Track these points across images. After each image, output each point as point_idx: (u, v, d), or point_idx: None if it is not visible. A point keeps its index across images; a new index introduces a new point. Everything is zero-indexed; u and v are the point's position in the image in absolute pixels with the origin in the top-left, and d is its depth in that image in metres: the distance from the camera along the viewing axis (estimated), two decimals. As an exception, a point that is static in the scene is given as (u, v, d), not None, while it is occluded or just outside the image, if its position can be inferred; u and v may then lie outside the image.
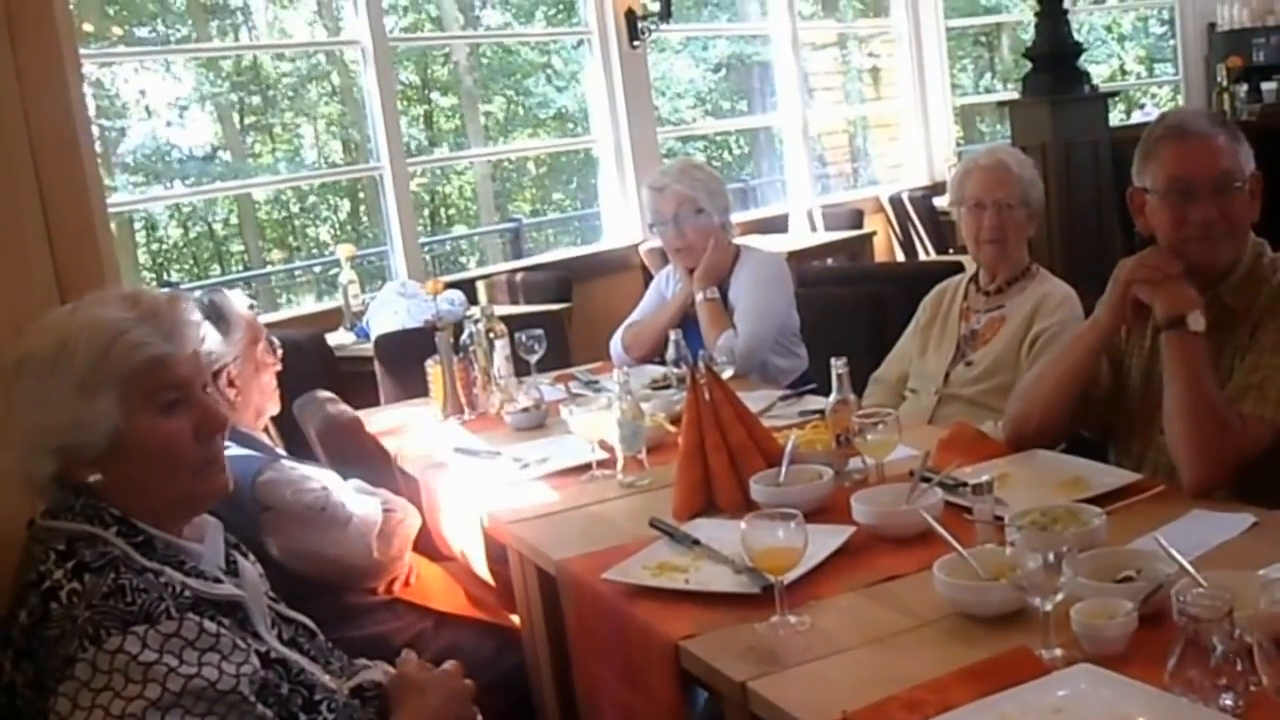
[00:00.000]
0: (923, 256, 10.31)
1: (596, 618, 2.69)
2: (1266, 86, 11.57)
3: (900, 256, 10.67)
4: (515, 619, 3.41)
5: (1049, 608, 2.03)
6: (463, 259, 13.30)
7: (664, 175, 4.79)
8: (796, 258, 7.96)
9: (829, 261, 9.00)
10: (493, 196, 15.42)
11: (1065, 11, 7.98)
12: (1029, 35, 8.27)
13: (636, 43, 9.06)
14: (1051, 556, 2.01)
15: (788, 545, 2.28)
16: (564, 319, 6.33)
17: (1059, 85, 7.85)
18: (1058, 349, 3.30)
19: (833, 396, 3.13)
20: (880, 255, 10.30)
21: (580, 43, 9.45)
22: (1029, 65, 8.35)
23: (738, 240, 4.90)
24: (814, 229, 10.24)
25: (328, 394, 4.32)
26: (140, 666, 1.91)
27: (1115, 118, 13.01)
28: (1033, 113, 7.89)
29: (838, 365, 3.13)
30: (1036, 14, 8.01)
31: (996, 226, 3.95)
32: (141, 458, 2.15)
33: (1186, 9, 13.07)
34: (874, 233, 9.87)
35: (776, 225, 10.06)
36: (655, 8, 8.96)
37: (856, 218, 10.16)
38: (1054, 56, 7.95)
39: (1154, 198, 2.99)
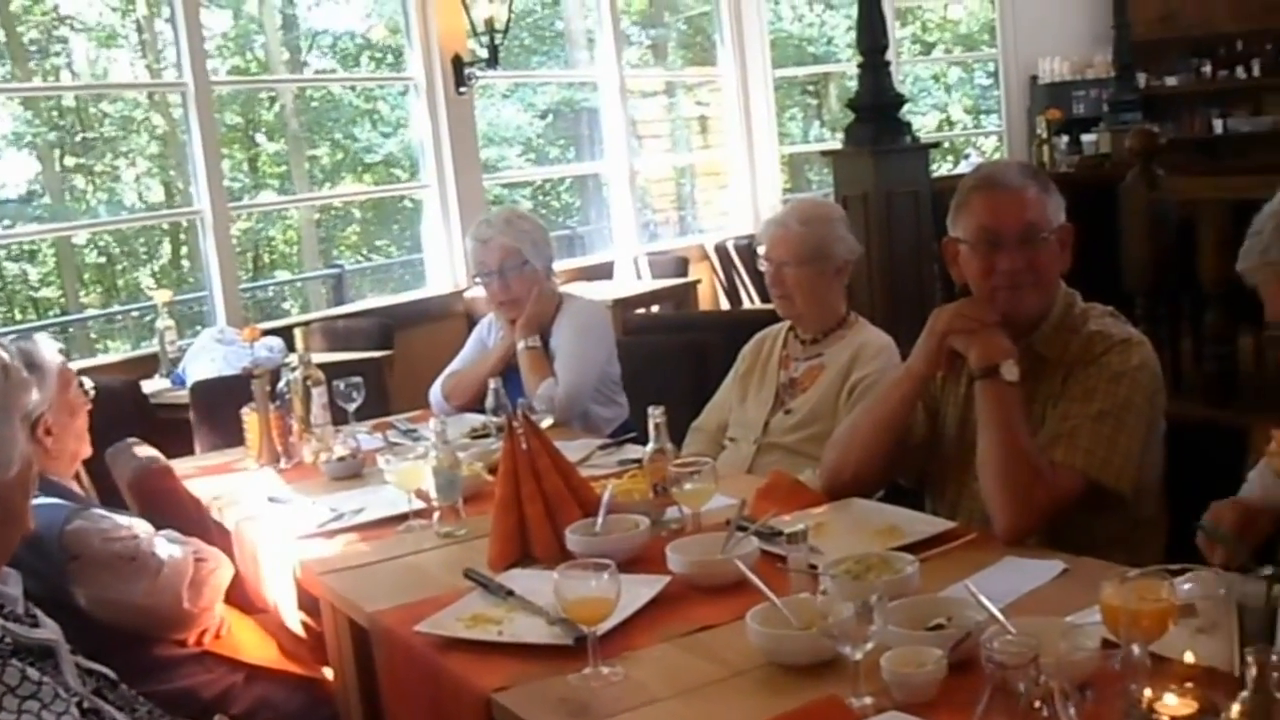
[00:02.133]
0: (747, 304, 10.41)
1: (409, 671, 2.64)
2: (1087, 139, 11.89)
3: (725, 304, 10.75)
4: (328, 672, 3.34)
5: (859, 656, 2.03)
6: (285, 305, 13.14)
7: (488, 227, 4.73)
8: (622, 305, 7.98)
9: (653, 309, 9.03)
10: (316, 242, 15.26)
11: (887, 64, 8.09)
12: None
13: (463, 89, 9.03)
14: (863, 605, 2.02)
15: (600, 596, 2.26)
16: (384, 366, 6.27)
17: (881, 136, 7.95)
18: (873, 397, 3.32)
19: (650, 445, 3.12)
20: (705, 303, 10.36)
21: (406, 89, 9.39)
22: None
23: (561, 289, 4.89)
24: (639, 276, 10.27)
25: (140, 442, 4.21)
26: None
27: (944, 167, 13.29)
28: (855, 163, 7.97)
29: (655, 414, 3.12)
30: (860, 65, 8.12)
31: (778, 283, 4.00)
32: (23, 494, 2.12)
33: (1010, 61, 13.39)
34: (699, 280, 9.93)
35: (602, 272, 10.08)
36: (483, 54, 8.94)
37: (682, 265, 10.22)
38: (876, 107, 8.05)
39: (965, 248, 3.05)
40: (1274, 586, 1.89)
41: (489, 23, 8.79)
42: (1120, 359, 2.94)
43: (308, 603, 3.32)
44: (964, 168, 12.56)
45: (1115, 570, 2.20)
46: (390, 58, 13.91)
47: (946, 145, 15.11)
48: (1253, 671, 1.55)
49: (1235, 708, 1.57)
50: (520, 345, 4.62)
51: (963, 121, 16.94)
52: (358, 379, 4.29)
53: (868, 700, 2.03)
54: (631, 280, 10.16)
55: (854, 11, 8.17)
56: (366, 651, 2.92)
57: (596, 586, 2.26)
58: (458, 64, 8.97)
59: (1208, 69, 13.18)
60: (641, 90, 12.17)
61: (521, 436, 3.06)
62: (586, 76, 11.72)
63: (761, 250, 4.07)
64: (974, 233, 3.02)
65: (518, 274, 4.64)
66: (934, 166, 9.59)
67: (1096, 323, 3.05)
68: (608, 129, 10.85)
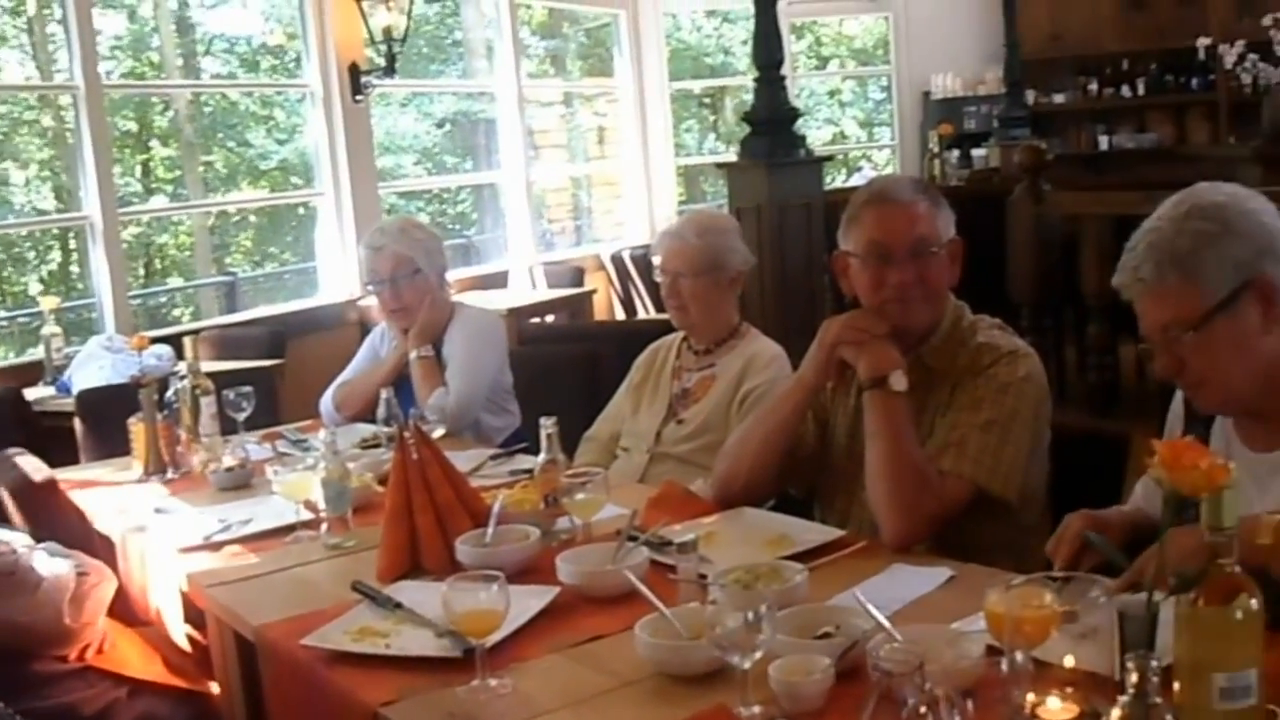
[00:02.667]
0: (643, 314, 10.44)
1: (295, 685, 2.60)
2: (977, 153, 12.09)
3: (621, 314, 10.77)
4: (214, 686, 3.29)
5: (748, 665, 2.03)
6: (176, 312, 12.96)
7: (382, 234, 4.70)
8: (516, 315, 7.97)
9: (548, 319, 9.03)
10: (210, 249, 15.07)
11: (783, 78, 8.11)
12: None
13: (359, 97, 8.98)
14: (751, 615, 2.02)
15: (489, 607, 2.25)
16: (275, 375, 6.21)
17: (776, 149, 7.95)
18: (764, 407, 3.34)
19: (541, 456, 3.12)
20: (601, 313, 10.39)
21: (303, 96, 9.31)
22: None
23: (455, 298, 4.86)
24: (535, 286, 10.27)
25: (22, 451, 4.13)
26: None
27: (838, 180, 13.43)
28: (750, 175, 7.98)
29: (547, 424, 3.12)
30: (756, 79, 8.15)
31: (673, 294, 4.02)
32: None
33: (903, 77, 13.58)
34: (594, 290, 9.95)
35: (497, 282, 10.07)
36: (381, 62, 8.89)
37: (578, 275, 10.24)
38: (772, 121, 8.06)
39: (856, 261, 3.08)
40: (1154, 592, 1.91)
41: (387, 31, 8.76)
42: (1007, 370, 2.98)
43: (193, 615, 3.26)
44: (857, 180, 12.70)
45: (1001, 577, 2.22)
46: (287, 63, 13.79)
47: (840, 158, 15.25)
48: (1133, 677, 1.58)
49: (1116, 712, 1.59)
50: (412, 354, 4.59)
51: (856, 135, 17.09)
52: (248, 388, 4.24)
53: (756, 709, 2.04)
54: (527, 290, 10.15)
55: (751, 25, 8.20)
56: (253, 665, 2.87)
57: (485, 598, 2.24)
58: (355, 72, 8.93)
59: (1094, 87, 13.44)
60: (539, 100, 12.18)
61: (412, 446, 3.03)
62: (484, 86, 11.70)
63: (657, 261, 4.08)
64: (865, 246, 3.05)
65: (410, 283, 4.61)
66: (827, 179, 9.66)
67: (985, 335, 3.09)
68: (504, 139, 10.84)
